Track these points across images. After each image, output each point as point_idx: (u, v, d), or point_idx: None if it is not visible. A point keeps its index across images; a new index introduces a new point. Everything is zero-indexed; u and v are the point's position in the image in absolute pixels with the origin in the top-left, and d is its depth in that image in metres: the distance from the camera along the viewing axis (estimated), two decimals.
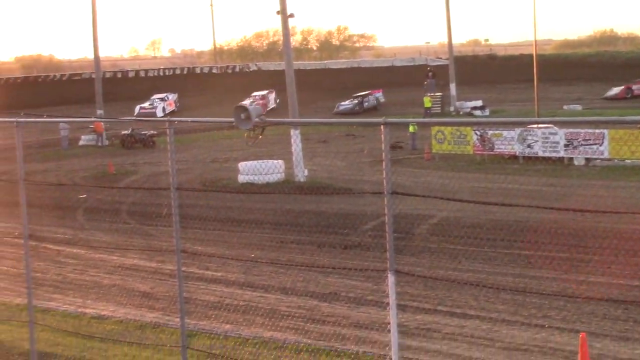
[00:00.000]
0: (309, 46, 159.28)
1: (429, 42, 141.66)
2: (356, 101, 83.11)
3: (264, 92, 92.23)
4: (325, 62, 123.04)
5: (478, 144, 51.29)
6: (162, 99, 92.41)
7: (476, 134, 51.19)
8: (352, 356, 16.46)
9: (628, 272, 24.16)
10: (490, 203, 30.47)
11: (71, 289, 24.51)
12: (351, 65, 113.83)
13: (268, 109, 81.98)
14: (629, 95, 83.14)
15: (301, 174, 45.57)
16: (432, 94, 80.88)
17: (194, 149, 54.38)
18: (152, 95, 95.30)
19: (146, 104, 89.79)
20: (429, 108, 77.68)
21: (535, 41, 71.87)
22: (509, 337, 19.21)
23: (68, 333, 17.71)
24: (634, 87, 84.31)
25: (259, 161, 45.92)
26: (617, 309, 20.34)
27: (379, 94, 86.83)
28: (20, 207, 16.49)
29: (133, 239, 31.65)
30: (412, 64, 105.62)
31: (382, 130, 12.28)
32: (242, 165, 46.11)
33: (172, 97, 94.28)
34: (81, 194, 40.21)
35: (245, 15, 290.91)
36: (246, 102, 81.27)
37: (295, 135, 46.33)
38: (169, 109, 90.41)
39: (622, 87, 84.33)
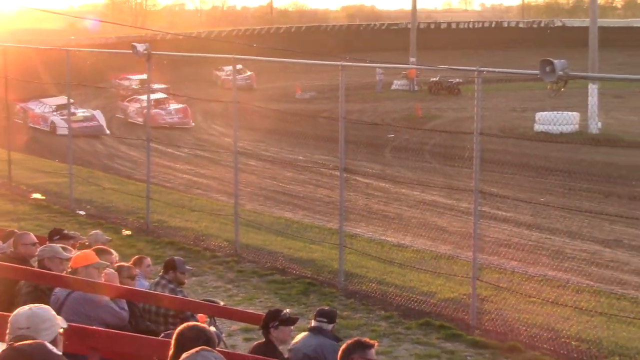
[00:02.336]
0: (614, 4, 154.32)
1: None
2: None
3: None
4: (629, 20, 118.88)
5: None
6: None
7: None
8: (632, 300, 16.18)
9: None
10: None
11: (376, 218, 25.10)
12: None
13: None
14: None
15: (595, 126, 44.74)
16: None
17: (496, 97, 53.95)
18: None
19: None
20: None
21: None
22: None
23: (371, 257, 18.14)
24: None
25: (555, 112, 45.26)
26: None
27: None
28: (338, 142, 17.09)
29: (434, 177, 31.96)
30: None
31: None
32: (538, 115, 45.69)
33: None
34: (390, 134, 40.85)
35: None
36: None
37: (592, 90, 45.46)
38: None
39: None
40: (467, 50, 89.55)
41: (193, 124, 48.07)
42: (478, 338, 13.78)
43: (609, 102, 51.34)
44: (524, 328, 14.08)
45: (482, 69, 15.34)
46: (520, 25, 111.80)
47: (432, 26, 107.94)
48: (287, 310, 9.24)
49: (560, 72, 13.13)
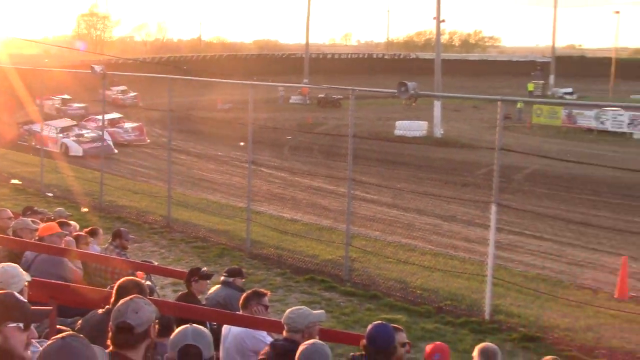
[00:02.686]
0: (453, 43, 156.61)
1: (538, 44, 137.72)
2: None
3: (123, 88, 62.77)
4: (464, 54, 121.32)
5: (566, 119, 50.08)
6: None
7: (565, 111, 50.05)
8: (461, 259, 16.45)
9: None
10: (570, 161, 29.87)
11: (275, 199, 25.08)
12: (481, 58, 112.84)
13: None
14: None
15: (438, 132, 45.43)
16: (536, 82, 78.69)
17: (366, 110, 54.29)
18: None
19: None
20: (531, 91, 75.81)
21: (616, 48, 69.41)
22: (572, 255, 18.89)
23: (271, 229, 18.09)
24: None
25: (410, 121, 45.85)
26: None
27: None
28: (247, 142, 17.01)
29: (320, 169, 32.08)
30: (524, 59, 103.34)
31: (499, 105, 12.41)
32: (398, 123, 46.18)
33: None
34: (288, 136, 40.82)
35: (411, 18, 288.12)
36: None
37: (436, 105, 46.16)
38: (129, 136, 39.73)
39: None
40: (346, 74, 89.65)
41: (148, 140, 40.13)
42: (349, 289, 13.85)
43: (449, 114, 52.11)
44: (382, 281, 14.21)
45: (355, 88, 15.41)
46: (386, 57, 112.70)
47: (321, 56, 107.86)
48: (205, 268, 9.18)
49: (412, 91, 13.29)
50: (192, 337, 4.16)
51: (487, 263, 12.71)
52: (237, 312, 7.29)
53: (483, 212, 19.82)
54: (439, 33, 50.55)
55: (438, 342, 6.16)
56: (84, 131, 36.97)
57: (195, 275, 8.71)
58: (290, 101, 69.06)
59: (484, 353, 6.24)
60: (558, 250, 19.38)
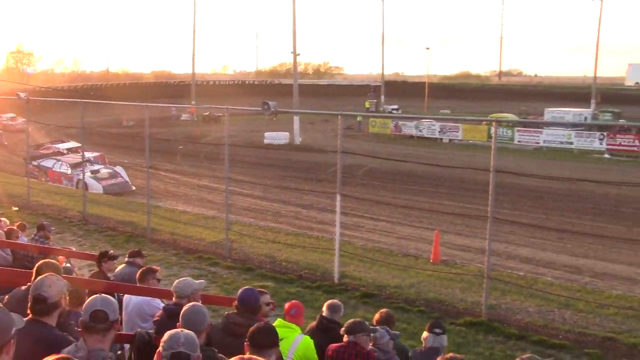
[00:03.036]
0: (307, 71, 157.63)
1: (372, 72, 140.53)
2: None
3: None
4: (316, 80, 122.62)
5: (393, 128, 51.38)
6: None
7: (393, 123, 51.35)
8: (316, 238, 16.60)
9: (466, 199, 24.54)
10: (397, 160, 30.71)
11: (170, 195, 24.66)
12: (329, 83, 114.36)
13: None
14: None
15: (298, 140, 45.75)
16: (371, 100, 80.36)
17: (241, 124, 54.01)
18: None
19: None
20: (368, 108, 77.30)
21: (428, 75, 71.64)
22: (400, 232, 19.49)
23: (167, 219, 17.78)
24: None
25: (275, 132, 45.95)
26: (457, 219, 20.67)
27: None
28: (145, 152, 16.59)
29: (205, 171, 31.67)
30: (362, 84, 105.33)
31: (340, 118, 12.63)
32: (266, 134, 46.26)
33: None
34: (180, 145, 40.13)
35: (275, 52, 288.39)
36: None
37: (295, 119, 46.52)
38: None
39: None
40: (225, 97, 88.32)
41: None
42: (229, 264, 13.77)
43: (305, 126, 52.50)
44: (256, 257, 14.19)
45: (229, 107, 15.40)
46: (255, 82, 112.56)
47: (205, 83, 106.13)
48: (112, 251, 8.94)
49: (273, 109, 13.36)
50: (101, 304, 4.07)
51: (335, 239, 12.92)
52: (137, 285, 7.13)
53: (332, 201, 20.07)
54: (295, 64, 51.01)
55: (294, 301, 6.23)
56: (96, 167, 28.38)
57: (105, 257, 8.49)
58: (182, 118, 67.88)
59: (330, 307, 6.39)
60: (390, 228, 19.96)
